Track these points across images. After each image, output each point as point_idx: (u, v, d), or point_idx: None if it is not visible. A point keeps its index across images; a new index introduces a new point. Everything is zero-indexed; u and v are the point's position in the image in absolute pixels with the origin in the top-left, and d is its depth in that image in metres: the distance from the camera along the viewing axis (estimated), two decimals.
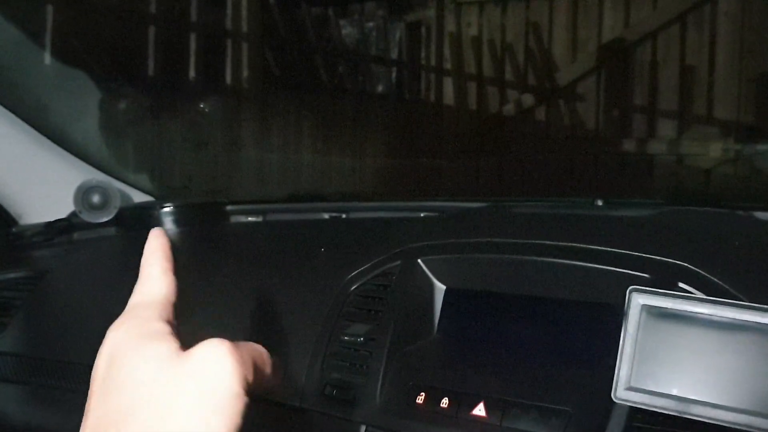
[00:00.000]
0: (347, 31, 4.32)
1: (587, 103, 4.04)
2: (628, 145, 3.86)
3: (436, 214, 1.15)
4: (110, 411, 0.46)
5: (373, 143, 3.85)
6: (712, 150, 3.52)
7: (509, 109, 4.20)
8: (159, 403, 0.45)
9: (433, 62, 4.37)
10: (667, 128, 3.83)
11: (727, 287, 0.70)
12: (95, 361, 0.50)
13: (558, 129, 4.07)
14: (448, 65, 4.34)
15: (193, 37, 3.22)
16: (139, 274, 0.54)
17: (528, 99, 4.16)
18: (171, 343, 0.48)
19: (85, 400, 0.48)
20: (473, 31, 4.32)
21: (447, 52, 4.35)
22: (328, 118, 3.87)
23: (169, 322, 0.50)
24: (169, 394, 0.45)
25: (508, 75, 4.24)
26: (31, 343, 1.20)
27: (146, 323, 0.50)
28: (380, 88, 4.31)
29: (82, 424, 0.48)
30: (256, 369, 0.48)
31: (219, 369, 0.46)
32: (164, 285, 0.53)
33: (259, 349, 0.50)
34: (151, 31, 2.90)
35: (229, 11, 3.57)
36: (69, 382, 1.11)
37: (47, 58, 1.78)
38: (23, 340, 1.21)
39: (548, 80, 4.13)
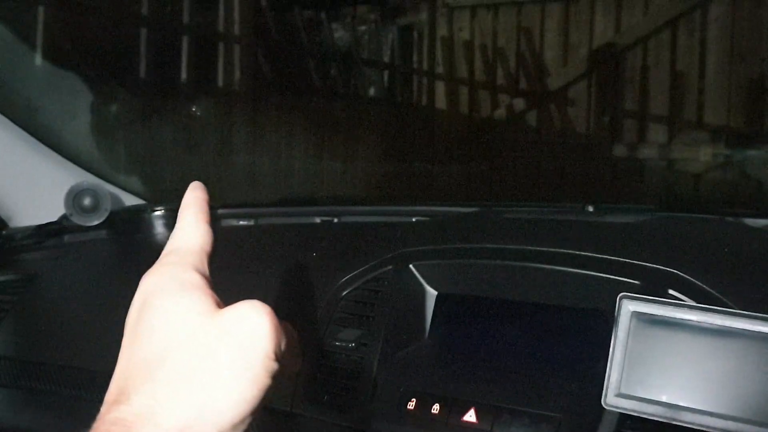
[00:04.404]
0: (339, 34, 4.32)
1: (578, 107, 4.05)
2: (619, 150, 3.87)
3: (428, 218, 1.15)
4: (141, 357, 0.46)
5: (365, 147, 3.85)
6: (703, 155, 3.53)
7: (501, 113, 4.21)
8: (192, 354, 0.45)
9: (425, 66, 4.37)
10: (657, 133, 3.84)
11: (717, 294, 0.70)
12: (129, 310, 0.49)
13: (549, 134, 4.08)
14: (440, 69, 4.35)
15: (185, 39, 3.21)
16: (175, 225, 0.54)
17: (519, 103, 4.17)
18: (208, 297, 0.48)
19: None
20: (465, 35, 4.33)
21: (439, 56, 4.36)
22: (320, 121, 3.86)
23: (203, 275, 0.50)
24: (203, 347, 0.45)
25: (500, 79, 4.25)
26: (21, 347, 1.20)
27: (181, 271, 0.49)
28: (372, 92, 4.31)
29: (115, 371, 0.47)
30: (288, 340, 0.48)
31: (258, 328, 0.46)
32: (199, 234, 0.53)
33: (290, 327, 0.50)
34: (143, 33, 2.89)
35: (221, 14, 3.56)
36: (59, 386, 1.10)
37: (38, 59, 1.77)
38: (13, 344, 1.21)
39: (540, 85, 4.14)
